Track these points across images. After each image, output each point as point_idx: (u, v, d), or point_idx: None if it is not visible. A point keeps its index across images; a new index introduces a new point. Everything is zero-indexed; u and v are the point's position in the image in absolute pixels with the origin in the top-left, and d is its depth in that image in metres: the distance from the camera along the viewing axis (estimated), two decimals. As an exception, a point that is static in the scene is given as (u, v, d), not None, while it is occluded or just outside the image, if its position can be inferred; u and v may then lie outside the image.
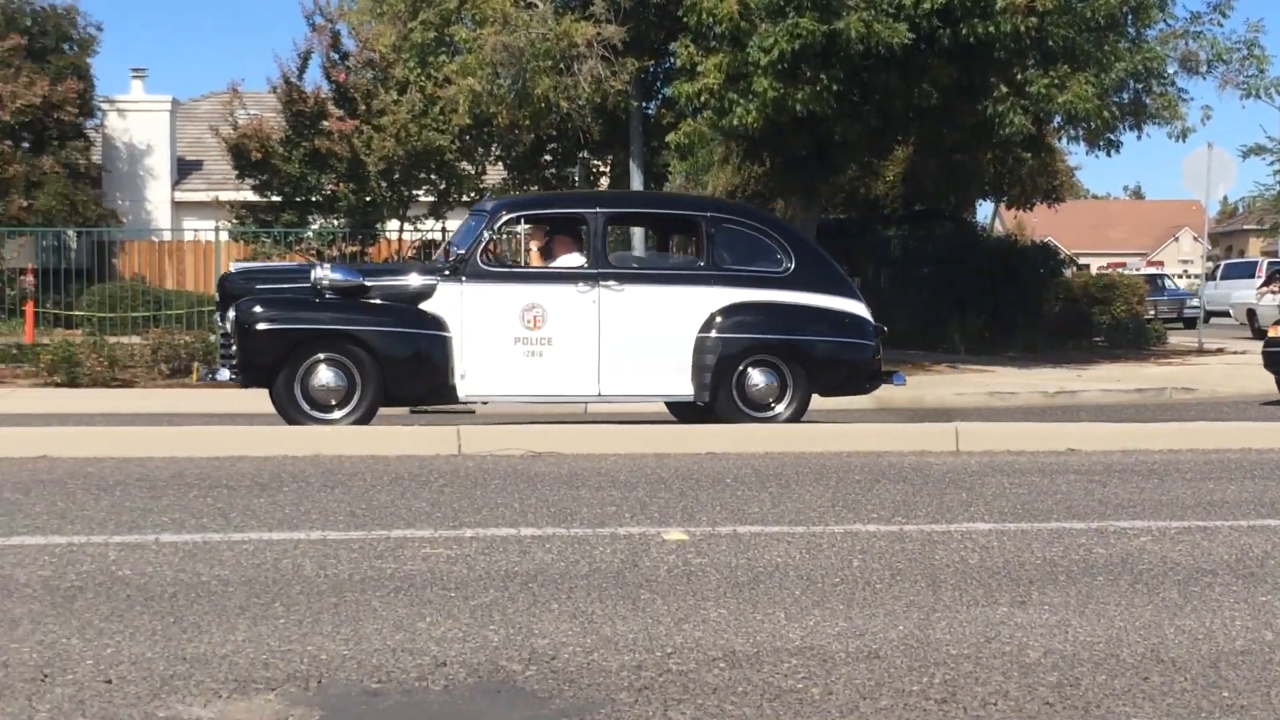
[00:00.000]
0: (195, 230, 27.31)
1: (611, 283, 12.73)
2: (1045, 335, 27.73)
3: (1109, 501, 8.90)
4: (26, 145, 32.22)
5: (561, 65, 20.42)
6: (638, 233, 21.55)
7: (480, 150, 24.92)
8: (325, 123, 23.75)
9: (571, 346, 12.62)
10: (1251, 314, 37.89)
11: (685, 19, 20.41)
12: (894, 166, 32.25)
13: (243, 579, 6.36)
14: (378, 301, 12.65)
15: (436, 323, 12.50)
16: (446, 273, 12.68)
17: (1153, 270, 58.25)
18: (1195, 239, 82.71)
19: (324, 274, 12.58)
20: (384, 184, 23.76)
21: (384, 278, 13.02)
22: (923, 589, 6.32)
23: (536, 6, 20.66)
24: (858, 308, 13.49)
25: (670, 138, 21.63)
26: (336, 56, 24.66)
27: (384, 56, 23.57)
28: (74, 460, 10.17)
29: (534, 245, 14.29)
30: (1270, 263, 43.45)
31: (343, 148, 23.13)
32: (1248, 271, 47.50)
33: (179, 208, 37.22)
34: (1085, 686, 4.90)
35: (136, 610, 5.79)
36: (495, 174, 26.53)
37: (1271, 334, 17.79)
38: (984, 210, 52.56)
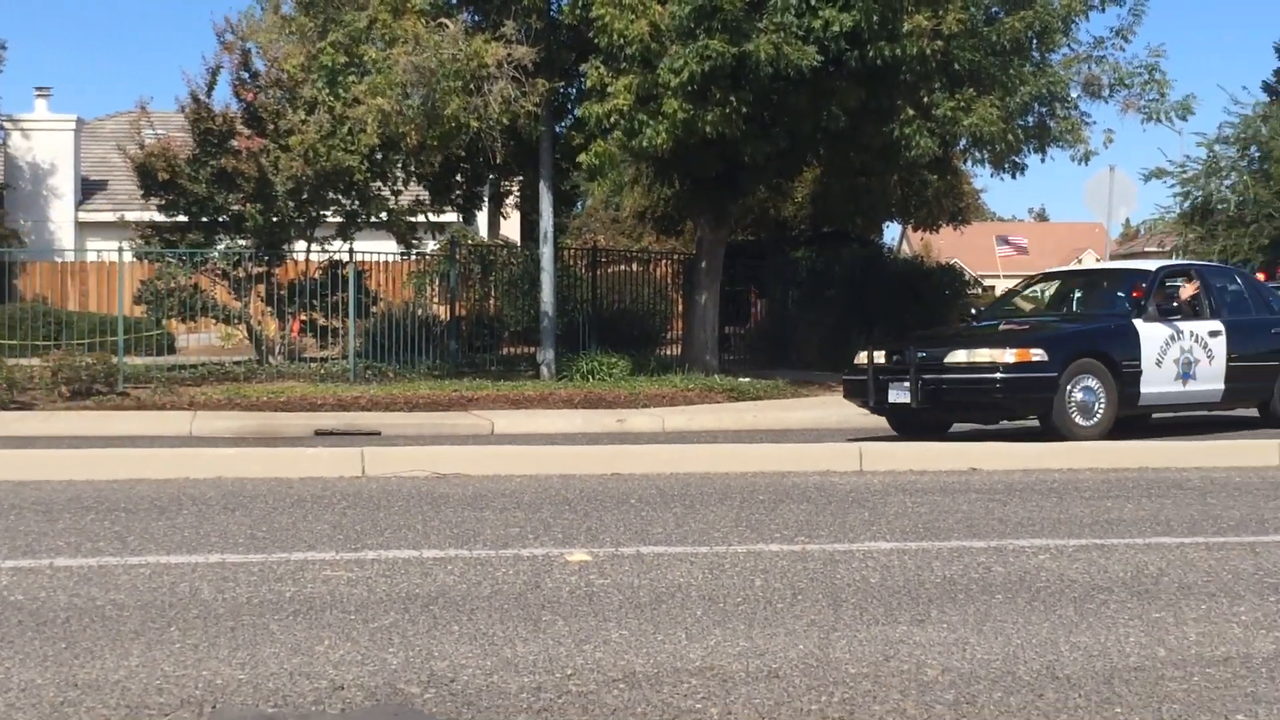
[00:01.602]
0: (99, 251, 26.97)
1: None
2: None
3: (1009, 520, 8.98)
4: (-74, 164, 31.73)
5: (472, 86, 20.35)
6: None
7: (390, 171, 24.79)
8: (234, 141, 23.55)
9: None
10: None
11: (596, 40, 20.43)
12: (802, 188, 32.44)
13: (138, 603, 6.28)
14: None
15: None
16: None
17: None
18: (1098, 260, 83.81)
19: None
20: (291, 204, 23.56)
21: None
22: (824, 608, 6.34)
23: (447, 27, 20.59)
24: None
25: (581, 158, 21.63)
26: (246, 75, 24.46)
27: (292, 76, 23.40)
28: (-30, 483, 10.02)
29: None
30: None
31: (250, 167, 22.92)
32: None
33: (83, 228, 36.81)
34: (982, 704, 4.93)
35: (28, 636, 5.70)
36: (410, 193, 26.39)
37: (858, 361, 15.87)
38: (891, 232, 52.94)
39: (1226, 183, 60.56)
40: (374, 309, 24.55)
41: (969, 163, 27.13)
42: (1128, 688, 5.14)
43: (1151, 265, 17.27)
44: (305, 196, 23.65)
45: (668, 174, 25.25)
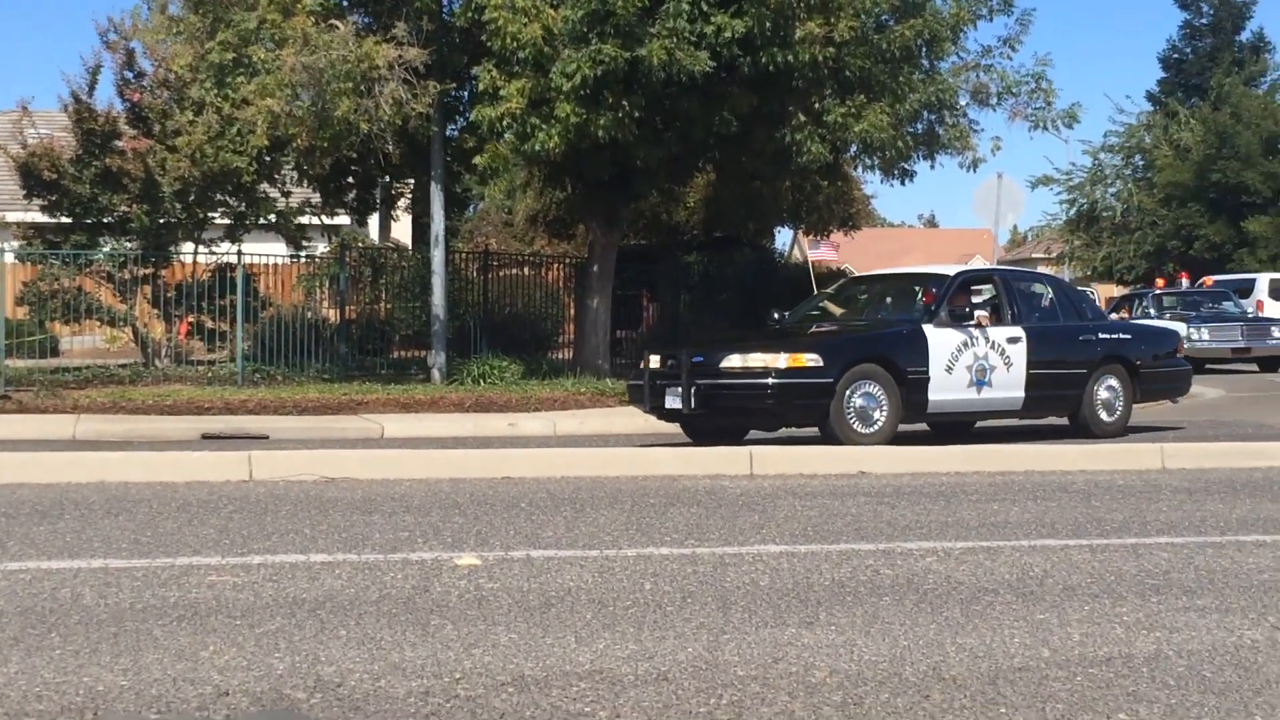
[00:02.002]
0: (-21, 252, 26.52)
1: None
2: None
3: (897, 523, 9.05)
4: None
5: (362, 87, 20.24)
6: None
7: (280, 173, 24.59)
8: (119, 142, 23.25)
9: None
10: None
11: (489, 43, 20.38)
12: (695, 193, 32.54)
13: (18, 609, 6.17)
14: None
15: None
16: None
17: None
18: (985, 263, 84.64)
19: None
20: (179, 205, 23.31)
21: None
22: (713, 611, 6.35)
23: (338, 28, 20.46)
24: None
25: (475, 160, 21.58)
26: (131, 75, 24.14)
27: (179, 76, 23.14)
28: None
29: None
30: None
31: (136, 167, 22.64)
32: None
33: (-38, 228, 36.12)
34: (869, 705, 4.96)
35: (-96, 642, 5.59)
36: (300, 195, 26.18)
37: (642, 365, 15.81)
38: (783, 237, 53.26)
39: (1111, 190, 61.74)
40: (263, 312, 24.33)
41: (859, 169, 27.44)
42: (1012, 688, 5.19)
43: (952, 270, 16.99)
44: (192, 198, 23.42)
45: (560, 178, 25.26)
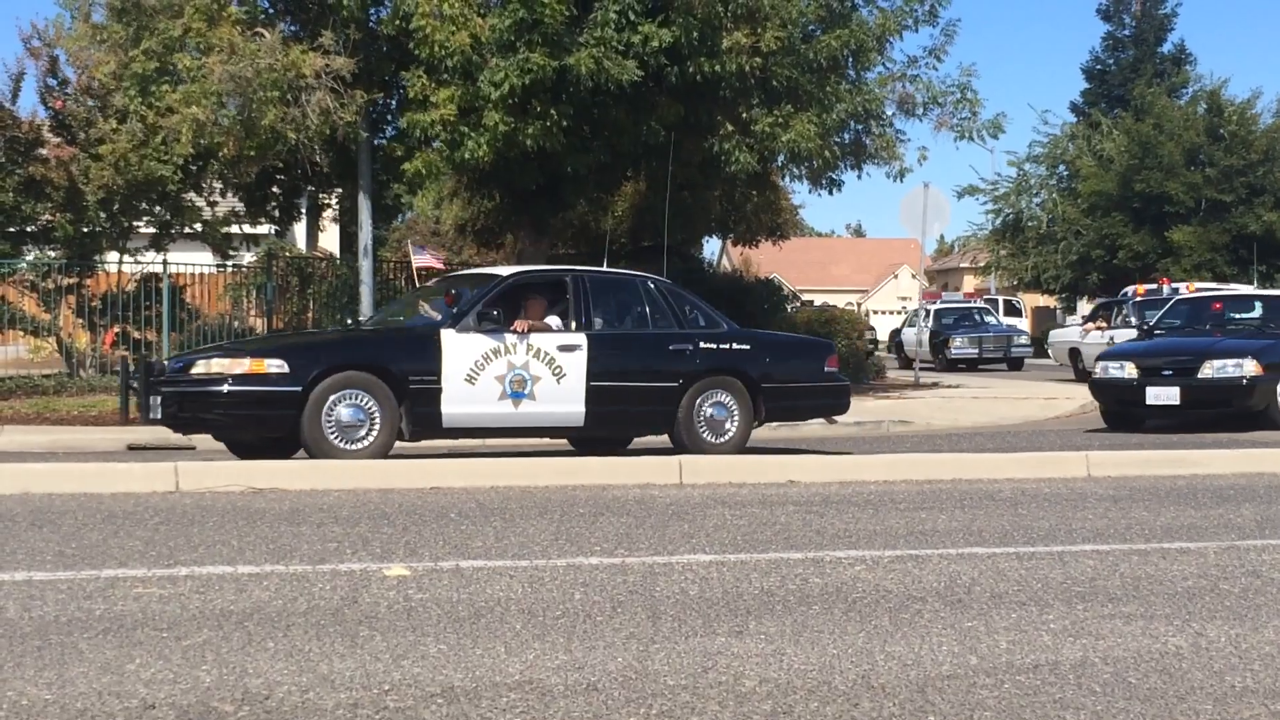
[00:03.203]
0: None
1: None
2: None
3: (826, 531, 9.09)
4: None
5: (289, 96, 20.16)
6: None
7: (206, 182, 24.45)
8: (42, 150, 23.05)
9: None
10: (1075, 353, 34.86)
11: (417, 51, 20.35)
12: (623, 201, 32.57)
13: (-60, 623, 6.09)
14: None
15: None
16: None
17: (970, 302, 51.18)
18: (913, 276, 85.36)
19: None
20: (103, 214, 23.12)
21: None
22: (643, 621, 6.35)
23: (264, 36, 20.38)
24: None
25: (405, 167, 21.53)
26: (54, 83, 23.93)
27: (104, 84, 22.96)
28: None
29: None
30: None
31: (60, 176, 22.44)
32: (961, 308, 49.03)
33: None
34: (798, 714, 4.97)
35: None
36: (227, 204, 26.03)
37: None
38: (711, 246, 53.37)
39: (1036, 200, 62.36)
40: (190, 322, 24.14)
41: (787, 178, 27.57)
42: (941, 696, 5.22)
43: (506, 271, 15.52)
44: (117, 207, 23.23)
45: (488, 186, 25.24)
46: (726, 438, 14.43)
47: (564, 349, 13.87)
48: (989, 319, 45.37)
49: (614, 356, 14.18)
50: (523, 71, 19.52)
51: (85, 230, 23.29)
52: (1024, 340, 43.88)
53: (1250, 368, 18.50)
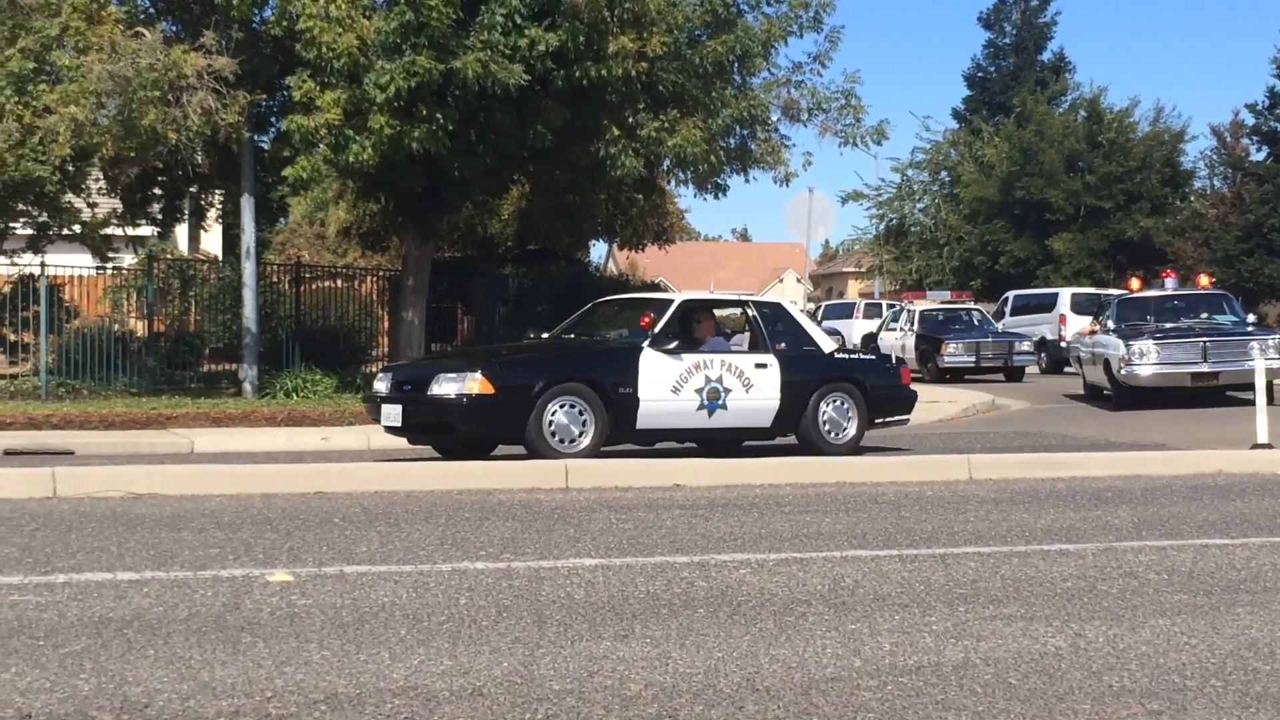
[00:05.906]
0: None
1: None
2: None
3: (711, 535, 9.12)
4: None
5: (170, 96, 19.89)
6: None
7: (85, 183, 24.05)
8: (-87, 150, 22.59)
9: None
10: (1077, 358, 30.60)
11: (304, 53, 20.14)
12: (509, 205, 32.53)
13: None
14: None
15: None
16: None
17: (961, 302, 43.15)
18: (798, 280, 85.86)
19: None
20: (-23, 215, 22.71)
21: None
22: (529, 625, 6.34)
23: (145, 36, 20.09)
24: None
25: (287, 172, 21.30)
26: (-74, 82, 23.48)
27: (-22, 82, 22.54)
28: None
29: None
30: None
31: (-68, 177, 22.02)
32: (846, 312, 49.26)
33: None
34: (684, 717, 4.99)
35: None
36: (107, 206, 25.61)
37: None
38: (598, 250, 53.42)
39: (919, 206, 63.09)
40: (68, 324, 23.76)
41: (673, 183, 27.59)
42: (825, 698, 5.26)
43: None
44: (-7, 208, 22.78)
45: (373, 190, 25.05)
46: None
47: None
48: (984, 322, 38.09)
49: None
50: (409, 74, 19.39)
51: (-41, 232, 22.85)
52: (1026, 347, 35.79)
53: None
